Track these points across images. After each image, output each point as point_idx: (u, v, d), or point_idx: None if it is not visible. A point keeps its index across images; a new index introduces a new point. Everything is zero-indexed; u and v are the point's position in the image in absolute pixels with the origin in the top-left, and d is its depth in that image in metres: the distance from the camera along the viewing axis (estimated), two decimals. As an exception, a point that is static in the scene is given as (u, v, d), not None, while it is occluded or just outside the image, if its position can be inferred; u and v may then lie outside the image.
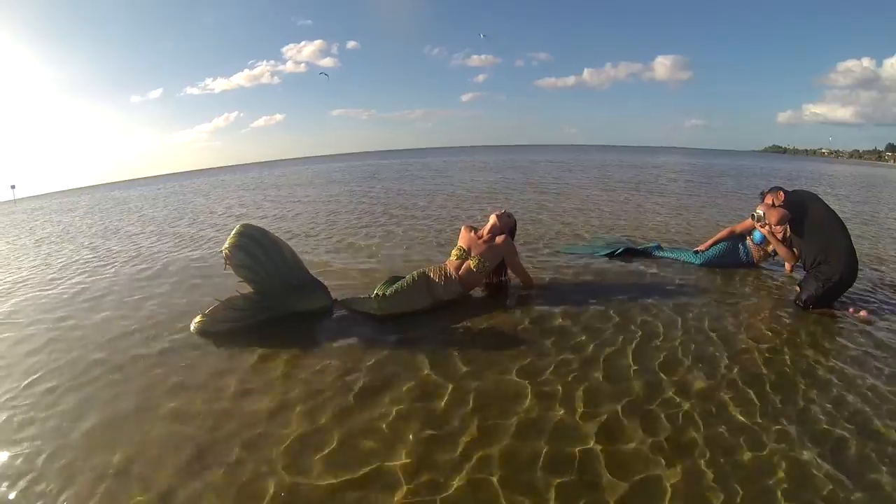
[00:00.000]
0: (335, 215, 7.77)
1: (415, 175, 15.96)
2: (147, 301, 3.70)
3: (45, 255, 6.21)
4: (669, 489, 1.59)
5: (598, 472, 1.67)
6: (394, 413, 2.04)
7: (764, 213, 3.32)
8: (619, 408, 2.04)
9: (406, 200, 9.30)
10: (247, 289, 3.04)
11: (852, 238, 3.22)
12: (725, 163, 25.97)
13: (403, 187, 12.19)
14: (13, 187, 28.16)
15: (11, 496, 1.64)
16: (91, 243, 6.90)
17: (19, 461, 1.82)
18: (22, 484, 1.69)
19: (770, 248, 3.94)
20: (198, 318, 2.99)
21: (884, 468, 1.67)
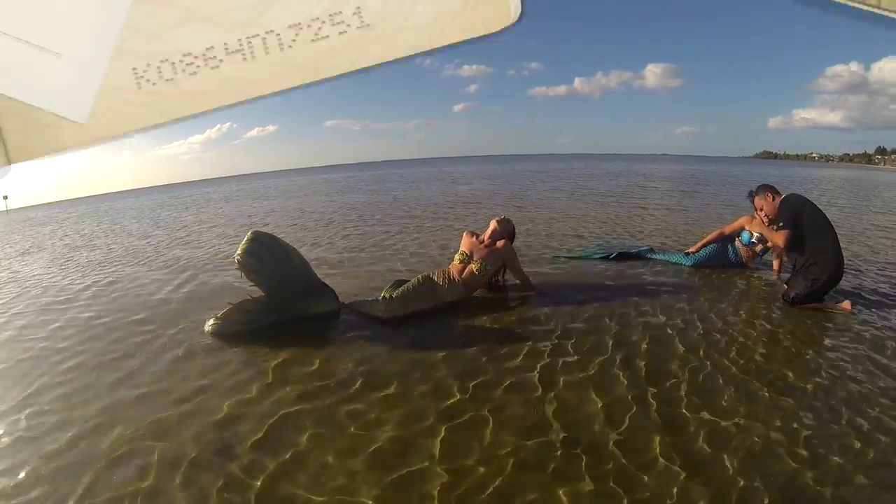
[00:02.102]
0: (327, 221, 7.92)
1: (387, 189, 15.53)
2: (156, 305, 3.81)
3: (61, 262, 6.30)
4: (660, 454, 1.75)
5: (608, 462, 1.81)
6: (399, 408, 2.18)
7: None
8: (608, 401, 2.18)
9: (364, 211, 9.56)
10: (258, 293, 3.16)
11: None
12: (714, 169, 26.19)
13: (364, 199, 12.29)
14: (5, 198, 27.86)
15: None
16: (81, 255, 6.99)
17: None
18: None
19: (758, 248, 4.14)
20: (211, 321, 3.11)
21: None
